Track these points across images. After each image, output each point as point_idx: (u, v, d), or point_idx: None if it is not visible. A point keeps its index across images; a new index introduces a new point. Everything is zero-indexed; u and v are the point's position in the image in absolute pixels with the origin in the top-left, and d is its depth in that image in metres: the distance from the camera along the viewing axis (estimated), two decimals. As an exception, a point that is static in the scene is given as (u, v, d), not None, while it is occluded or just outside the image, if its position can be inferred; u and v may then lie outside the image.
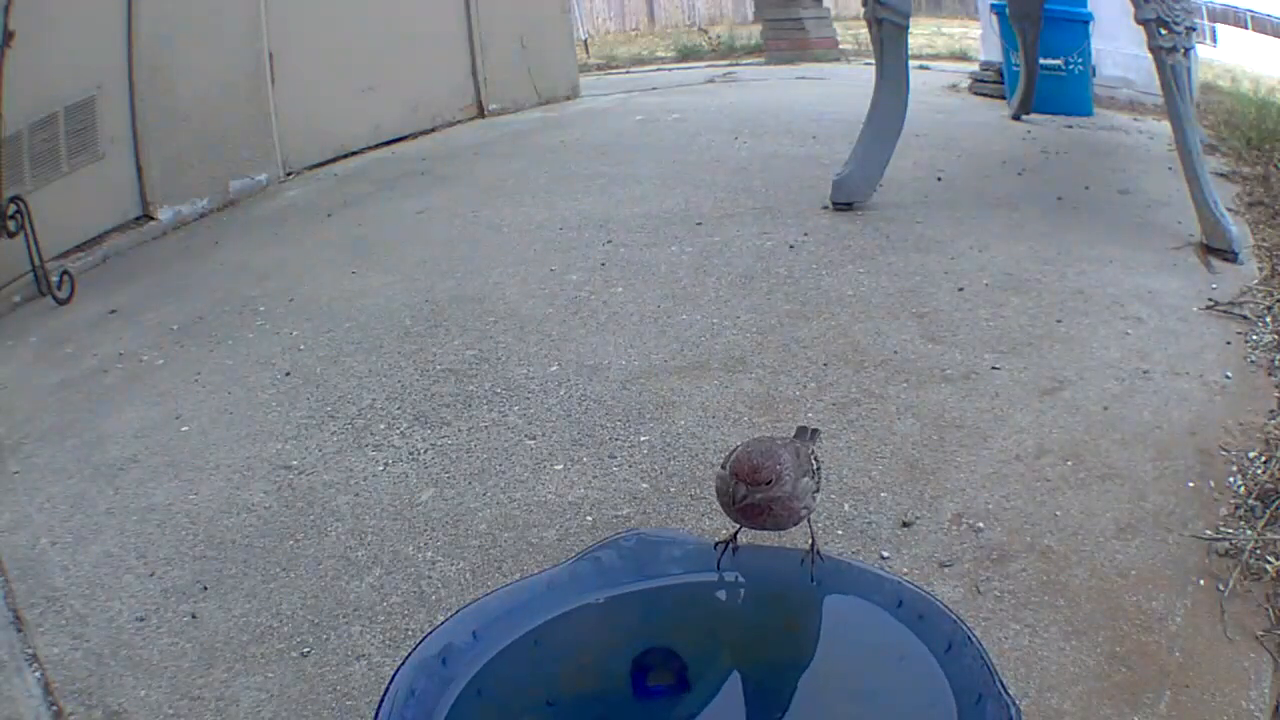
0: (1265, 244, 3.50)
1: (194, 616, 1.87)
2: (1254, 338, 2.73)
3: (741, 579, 1.17)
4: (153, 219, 4.44)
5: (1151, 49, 3.47)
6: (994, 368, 2.60)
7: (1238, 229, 3.42)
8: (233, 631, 1.83)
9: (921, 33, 9.98)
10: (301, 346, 3.02)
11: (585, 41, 11.79)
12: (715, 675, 1.05)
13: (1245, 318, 2.85)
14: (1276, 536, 1.87)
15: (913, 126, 4.19)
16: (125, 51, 4.27)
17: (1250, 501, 1.99)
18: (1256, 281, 3.13)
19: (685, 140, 5.36)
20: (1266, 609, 1.72)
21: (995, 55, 6.52)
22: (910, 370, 2.60)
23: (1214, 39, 6.50)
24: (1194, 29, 3.55)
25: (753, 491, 1.12)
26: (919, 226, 3.69)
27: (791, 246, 3.51)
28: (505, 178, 4.83)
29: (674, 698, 1.00)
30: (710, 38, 11.68)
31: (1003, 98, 6.23)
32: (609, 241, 3.69)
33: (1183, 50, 3.44)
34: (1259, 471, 2.08)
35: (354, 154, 5.74)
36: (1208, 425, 2.29)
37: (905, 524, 1.98)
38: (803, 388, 2.54)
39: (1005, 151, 4.89)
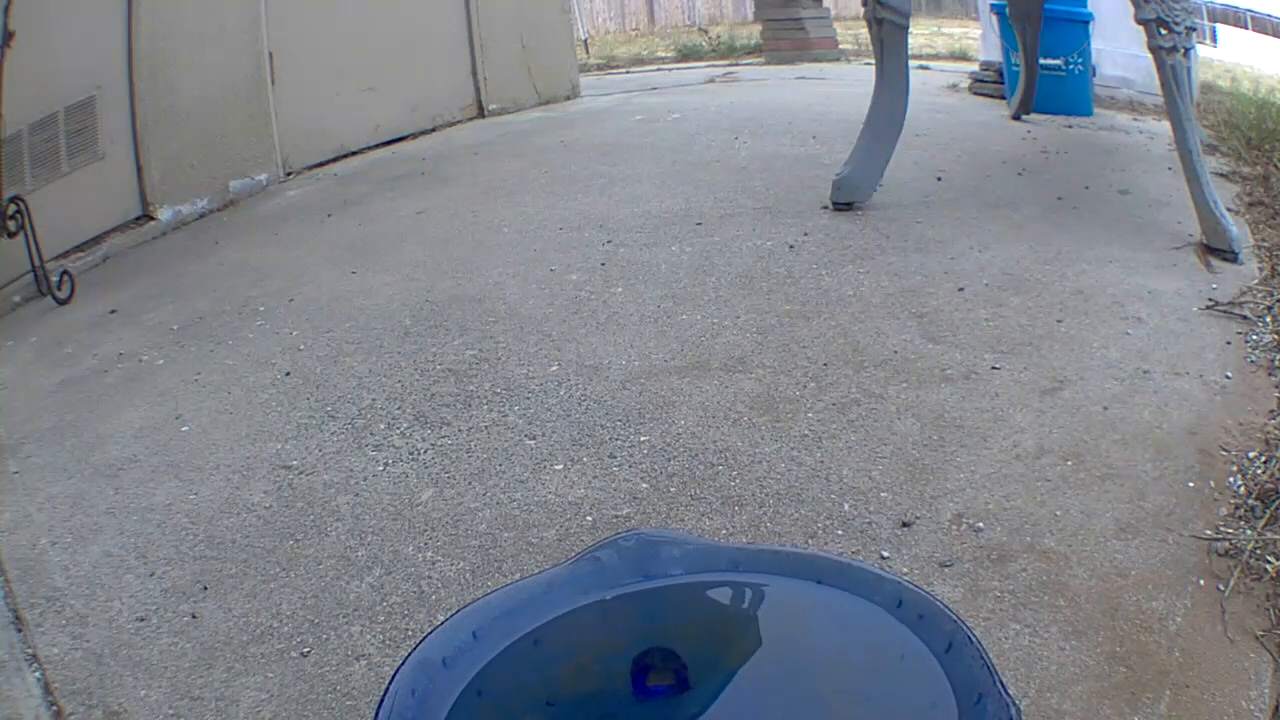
0: (1265, 244, 3.49)
1: (194, 616, 1.88)
2: (1254, 338, 2.73)
3: (743, 579, 1.17)
4: (153, 219, 4.44)
5: (1151, 49, 3.47)
6: (994, 368, 2.60)
7: (1238, 229, 3.42)
8: (233, 631, 1.83)
9: (921, 33, 9.99)
10: (301, 346, 3.01)
11: (585, 41, 11.80)
12: (715, 675, 1.05)
13: (1245, 318, 2.85)
14: (1276, 536, 1.87)
15: (913, 126, 4.19)
16: (125, 51, 4.27)
17: (1250, 501, 1.99)
18: (1256, 281, 3.13)
19: (685, 140, 5.35)
20: (1266, 609, 1.72)
21: (995, 55, 6.52)
22: (910, 370, 2.60)
23: (1214, 39, 6.51)
24: (1194, 29, 3.55)
25: None
26: (919, 226, 3.69)
27: (791, 246, 3.51)
28: (505, 178, 4.83)
29: (674, 698, 1.00)
30: (710, 38, 11.68)
31: (1003, 98, 6.23)
32: (609, 241, 3.69)
33: (1183, 50, 3.44)
34: (1259, 471, 2.08)
35: (354, 154, 5.74)
36: (1208, 425, 2.29)
37: (905, 524, 1.98)
38: (803, 388, 2.54)
39: (1005, 151, 4.89)
